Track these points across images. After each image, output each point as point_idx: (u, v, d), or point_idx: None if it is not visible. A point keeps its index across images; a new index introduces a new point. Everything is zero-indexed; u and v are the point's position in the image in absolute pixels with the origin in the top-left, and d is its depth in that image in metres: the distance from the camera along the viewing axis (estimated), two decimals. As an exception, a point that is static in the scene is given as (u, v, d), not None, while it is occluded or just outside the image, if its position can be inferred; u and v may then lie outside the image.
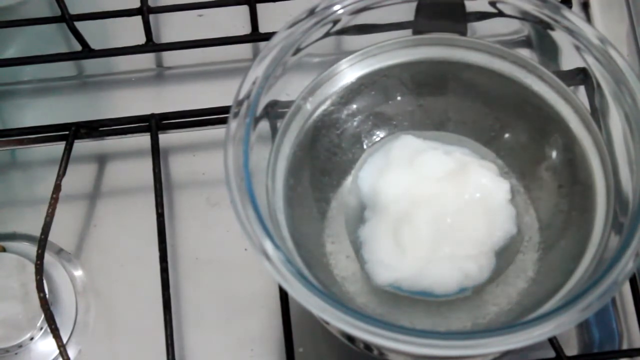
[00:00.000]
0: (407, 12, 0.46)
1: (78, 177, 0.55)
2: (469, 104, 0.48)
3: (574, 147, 0.45)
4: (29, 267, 0.51)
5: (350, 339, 0.45)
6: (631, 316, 0.51)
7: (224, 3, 0.58)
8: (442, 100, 0.48)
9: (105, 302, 0.53)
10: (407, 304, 0.44)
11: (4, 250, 0.52)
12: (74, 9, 0.56)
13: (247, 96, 0.42)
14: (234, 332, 0.52)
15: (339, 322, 0.37)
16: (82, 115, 0.55)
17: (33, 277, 0.49)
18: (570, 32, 0.43)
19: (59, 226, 0.51)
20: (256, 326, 0.52)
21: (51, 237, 0.50)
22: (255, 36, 0.57)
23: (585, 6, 0.59)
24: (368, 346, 0.45)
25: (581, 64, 0.44)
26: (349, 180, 0.47)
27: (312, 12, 0.44)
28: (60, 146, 0.53)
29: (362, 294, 0.45)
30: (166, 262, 0.50)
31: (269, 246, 0.38)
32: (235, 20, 0.59)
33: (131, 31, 0.57)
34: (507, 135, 0.48)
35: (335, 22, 0.44)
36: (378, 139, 0.48)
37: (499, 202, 0.45)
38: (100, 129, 0.55)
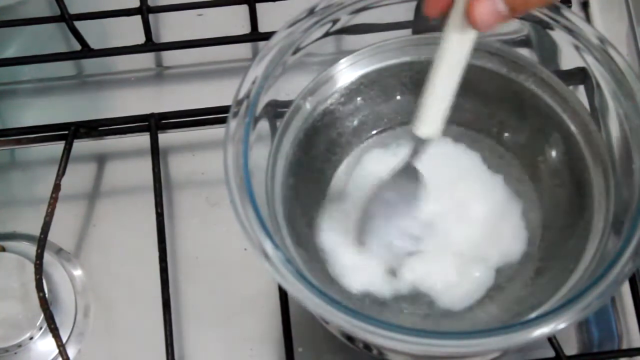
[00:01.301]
0: (407, 12, 0.46)
1: (78, 177, 0.55)
2: (468, 104, 0.48)
3: (574, 147, 0.45)
4: (28, 267, 0.51)
5: (350, 338, 0.45)
6: (630, 316, 0.51)
7: (223, 3, 0.57)
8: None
9: (105, 301, 0.53)
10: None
11: (3, 250, 0.52)
12: (73, 8, 0.56)
13: (247, 96, 0.42)
14: (234, 331, 0.52)
15: (339, 322, 0.37)
16: (82, 114, 0.55)
17: (33, 276, 0.49)
18: (570, 31, 0.43)
19: (58, 226, 0.51)
20: (256, 326, 0.52)
21: (51, 237, 0.50)
22: (255, 36, 0.57)
23: (585, 6, 0.59)
24: (367, 346, 0.45)
25: (581, 64, 0.44)
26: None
27: (311, 12, 0.44)
28: (59, 146, 0.53)
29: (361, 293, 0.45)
30: (166, 262, 0.50)
31: (268, 246, 0.38)
32: (234, 19, 0.59)
33: (130, 31, 0.57)
34: (506, 135, 0.48)
35: (335, 21, 0.44)
36: (377, 139, 0.48)
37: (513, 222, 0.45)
38: (100, 128, 0.55)
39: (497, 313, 0.44)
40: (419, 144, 0.42)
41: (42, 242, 0.50)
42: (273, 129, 0.45)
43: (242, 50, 0.58)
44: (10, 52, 0.59)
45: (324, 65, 0.46)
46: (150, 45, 0.57)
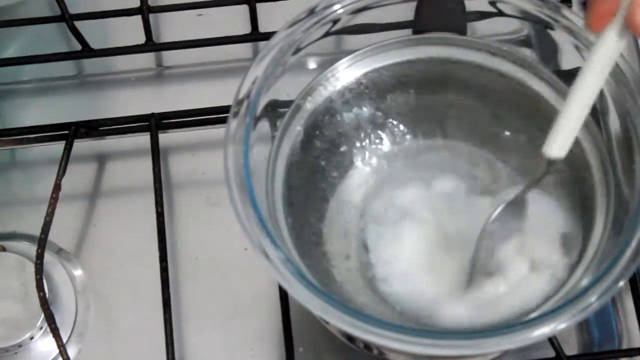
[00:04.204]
0: (407, 12, 0.46)
1: (78, 177, 0.55)
2: (469, 103, 0.48)
3: (574, 147, 0.45)
4: (28, 267, 0.51)
5: (350, 338, 0.45)
6: (631, 316, 0.51)
7: (223, 3, 0.58)
8: (442, 99, 0.48)
9: (105, 301, 0.53)
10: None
11: (4, 249, 0.52)
12: (73, 8, 0.56)
13: (247, 96, 0.42)
14: (234, 331, 0.52)
15: (339, 322, 0.37)
16: (82, 114, 0.55)
17: (33, 276, 0.49)
18: (570, 31, 0.43)
19: (58, 226, 0.51)
20: (256, 326, 0.52)
21: (51, 237, 0.50)
22: (255, 36, 0.57)
23: (585, 6, 0.59)
24: (368, 346, 0.45)
25: (581, 64, 0.43)
26: (349, 180, 0.47)
27: (311, 12, 0.44)
28: (60, 146, 0.53)
29: (362, 294, 0.45)
30: (166, 262, 0.50)
31: (268, 246, 0.38)
32: (235, 19, 0.59)
33: (131, 31, 0.57)
34: (506, 134, 0.48)
35: (335, 21, 0.44)
36: (378, 139, 0.48)
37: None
38: (100, 128, 0.55)
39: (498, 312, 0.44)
40: (543, 170, 0.42)
41: (42, 242, 0.50)
42: (273, 129, 0.45)
43: (243, 50, 0.58)
44: (10, 52, 0.59)
45: (324, 65, 0.46)
46: (151, 45, 0.57)
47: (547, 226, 0.45)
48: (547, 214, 0.45)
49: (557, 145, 0.40)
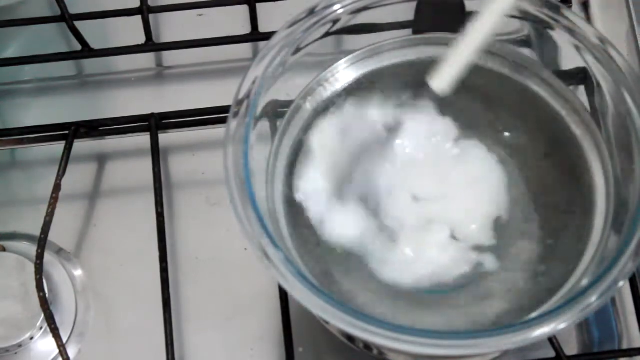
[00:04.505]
0: (407, 12, 0.46)
1: (78, 177, 0.55)
2: (469, 104, 0.47)
3: (573, 147, 0.45)
4: (28, 267, 0.51)
5: (350, 338, 0.45)
6: (631, 316, 0.51)
7: (223, 3, 0.58)
8: (441, 99, 0.48)
9: (105, 301, 0.53)
10: (407, 303, 0.44)
11: (4, 249, 0.52)
12: (73, 8, 0.56)
13: (247, 96, 0.42)
14: (234, 331, 0.52)
15: (339, 322, 0.37)
16: (82, 114, 0.55)
17: (33, 276, 0.49)
18: (570, 31, 0.43)
19: (58, 226, 0.51)
20: (256, 326, 0.52)
21: (51, 237, 0.50)
22: (255, 36, 0.57)
23: (585, 6, 0.59)
24: (368, 346, 0.45)
25: (581, 64, 0.44)
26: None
27: (312, 12, 0.44)
28: (60, 146, 0.53)
29: (361, 293, 0.45)
30: (166, 262, 0.50)
31: (268, 246, 0.38)
32: (235, 19, 0.59)
33: (131, 31, 0.57)
34: (506, 135, 0.48)
35: (335, 21, 0.44)
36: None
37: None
38: (100, 128, 0.55)
39: (497, 312, 0.44)
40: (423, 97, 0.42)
41: (42, 242, 0.50)
42: (273, 129, 0.45)
43: (243, 50, 0.58)
44: (11, 52, 0.59)
45: (324, 65, 0.46)
46: (151, 45, 0.57)
47: (486, 205, 0.45)
48: (490, 191, 0.45)
49: (442, 79, 0.42)
